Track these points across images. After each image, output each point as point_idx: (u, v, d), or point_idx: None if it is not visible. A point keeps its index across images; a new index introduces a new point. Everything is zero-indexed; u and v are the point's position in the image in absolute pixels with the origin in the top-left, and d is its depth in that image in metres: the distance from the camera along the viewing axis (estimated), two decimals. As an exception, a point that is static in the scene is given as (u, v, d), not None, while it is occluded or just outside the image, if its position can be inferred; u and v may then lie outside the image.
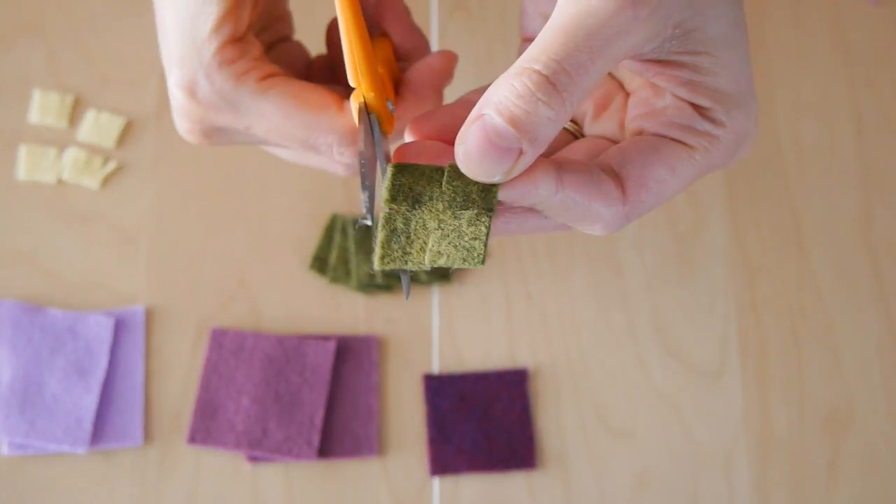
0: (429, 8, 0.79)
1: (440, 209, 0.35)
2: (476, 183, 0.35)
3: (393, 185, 0.36)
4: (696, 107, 0.37)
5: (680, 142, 0.37)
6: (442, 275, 0.73)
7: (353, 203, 0.74)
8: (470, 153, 0.33)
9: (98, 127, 0.75)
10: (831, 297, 0.74)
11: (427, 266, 0.35)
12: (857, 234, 0.76)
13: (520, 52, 0.46)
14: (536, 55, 0.32)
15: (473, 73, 0.77)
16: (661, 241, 0.75)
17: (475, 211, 0.35)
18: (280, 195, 0.75)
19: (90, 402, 0.68)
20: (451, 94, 0.77)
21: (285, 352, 0.70)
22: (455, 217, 0.35)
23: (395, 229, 0.36)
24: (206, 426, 0.69)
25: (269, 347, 0.70)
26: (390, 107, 0.40)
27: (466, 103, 0.39)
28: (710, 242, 0.75)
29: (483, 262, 0.35)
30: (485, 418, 0.70)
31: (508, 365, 0.72)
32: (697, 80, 0.36)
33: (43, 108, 0.75)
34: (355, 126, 0.41)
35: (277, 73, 0.41)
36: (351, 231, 0.73)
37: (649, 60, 0.36)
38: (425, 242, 0.35)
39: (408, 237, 0.35)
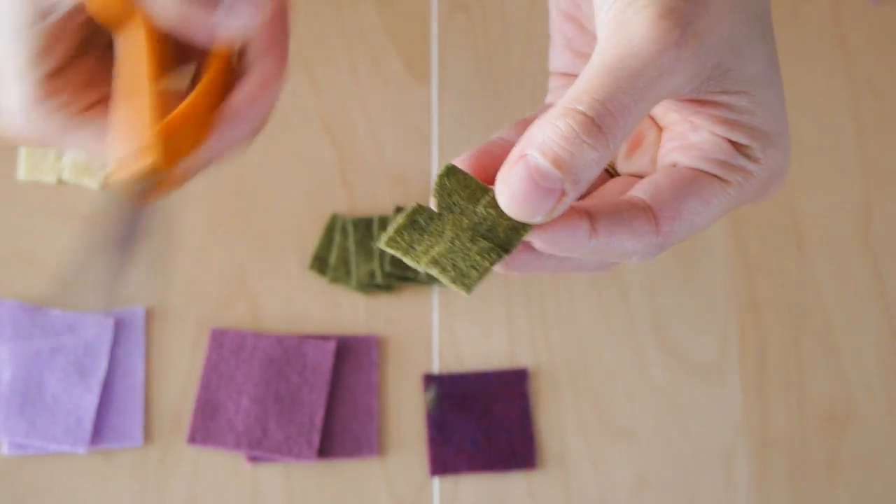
0: (429, 8, 0.79)
1: (463, 225, 0.36)
2: (508, 220, 0.35)
3: (441, 181, 0.36)
4: (733, 143, 0.37)
5: (715, 176, 0.37)
6: (442, 275, 0.72)
7: (353, 203, 0.74)
8: (513, 192, 0.33)
9: (98, 127, 0.75)
10: (831, 296, 0.74)
11: (422, 268, 0.36)
12: (857, 234, 0.76)
13: (550, 87, 0.46)
14: (580, 96, 0.33)
15: (473, 74, 0.77)
16: (661, 241, 0.75)
17: (492, 244, 0.35)
18: (280, 195, 0.75)
19: (90, 402, 0.68)
20: (452, 93, 0.77)
21: (285, 352, 0.70)
22: (472, 240, 0.35)
23: (416, 221, 0.36)
24: (206, 426, 0.69)
25: (269, 347, 0.70)
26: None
27: (504, 143, 0.39)
28: (710, 242, 0.75)
29: (470, 291, 0.35)
30: (485, 418, 0.70)
31: (508, 365, 0.72)
32: (735, 118, 0.36)
33: (43, 108, 0.75)
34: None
35: (100, 101, 0.40)
36: (351, 231, 0.73)
37: (687, 100, 0.36)
38: (432, 247, 0.36)
39: (421, 234, 0.36)
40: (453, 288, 0.35)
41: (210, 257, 0.73)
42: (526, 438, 0.70)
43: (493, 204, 0.35)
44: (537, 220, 0.34)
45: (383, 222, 0.73)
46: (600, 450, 0.71)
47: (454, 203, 0.36)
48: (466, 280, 0.35)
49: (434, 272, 0.35)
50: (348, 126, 0.75)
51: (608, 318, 0.73)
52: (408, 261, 0.36)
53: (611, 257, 0.37)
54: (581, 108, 0.32)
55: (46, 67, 0.39)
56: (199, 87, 0.38)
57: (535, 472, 0.70)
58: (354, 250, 0.72)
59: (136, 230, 0.37)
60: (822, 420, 0.72)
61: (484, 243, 0.35)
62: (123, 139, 0.37)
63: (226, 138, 0.40)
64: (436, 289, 0.73)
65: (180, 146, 0.37)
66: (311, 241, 0.74)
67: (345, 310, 0.72)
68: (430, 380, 0.71)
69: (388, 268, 0.72)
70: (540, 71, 0.77)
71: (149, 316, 0.71)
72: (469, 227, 0.35)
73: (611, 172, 0.42)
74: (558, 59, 0.45)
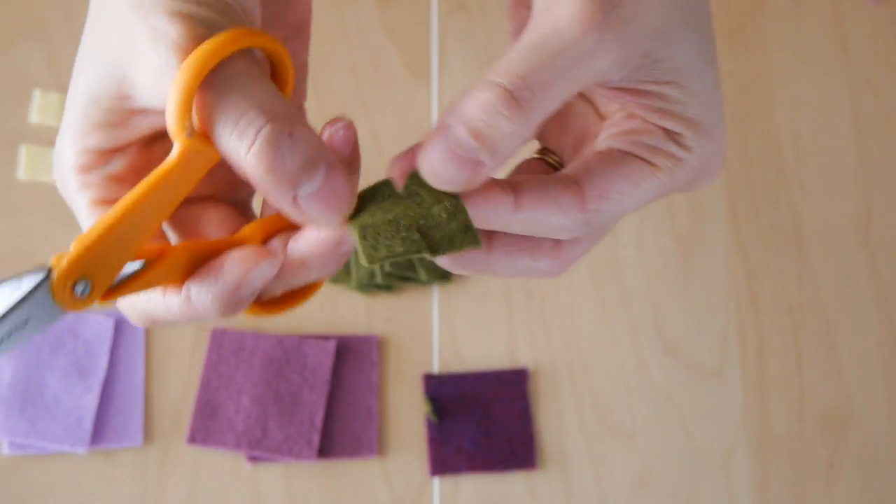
0: (429, 8, 0.79)
1: (410, 213, 0.36)
2: (453, 226, 0.36)
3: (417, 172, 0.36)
4: (666, 130, 0.38)
5: (645, 160, 0.38)
6: (442, 275, 0.73)
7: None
8: (432, 160, 0.34)
9: (98, 127, 0.75)
10: (831, 296, 0.74)
11: (348, 227, 0.36)
12: (857, 234, 0.76)
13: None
14: (501, 69, 0.34)
15: (473, 74, 0.77)
16: (661, 241, 0.75)
17: (421, 240, 0.36)
18: (280, 195, 0.74)
19: (90, 401, 0.68)
20: (452, 93, 0.77)
21: (285, 352, 0.70)
22: (407, 228, 0.36)
23: (379, 191, 0.37)
24: (206, 426, 0.69)
25: (270, 347, 0.70)
26: (80, 289, 0.37)
27: None
28: (710, 242, 0.75)
29: (371, 262, 0.35)
30: (485, 418, 0.70)
31: (508, 365, 0.72)
32: (667, 108, 0.37)
33: (43, 108, 0.75)
34: None
35: (110, 202, 0.39)
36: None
37: (620, 88, 0.37)
38: (372, 216, 0.37)
39: (374, 204, 0.37)
40: (359, 253, 0.35)
41: (210, 257, 0.73)
42: (526, 438, 0.70)
43: (447, 210, 0.36)
44: (456, 188, 0.34)
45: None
46: (600, 450, 0.71)
47: (417, 193, 0.37)
48: (374, 253, 0.36)
49: (354, 234, 0.36)
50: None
51: (608, 318, 0.73)
52: (419, 255, 0.37)
53: (537, 232, 0.37)
54: (500, 80, 0.33)
55: (94, 143, 0.39)
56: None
57: (535, 472, 0.70)
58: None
59: None
60: (822, 420, 0.72)
61: (415, 236, 0.36)
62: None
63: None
64: (436, 289, 0.73)
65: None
66: (311, 241, 0.74)
67: (345, 310, 0.72)
68: (429, 380, 0.71)
69: (388, 268, 0.72)
70: (540, 71, 0.77)
71: (149, 316, 0.71)
72: (414, 217, 0.36)
73: (555, 167, 0.43)
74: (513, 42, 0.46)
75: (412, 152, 0.38)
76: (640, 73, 0.36)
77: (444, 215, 0.36)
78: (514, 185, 0.36)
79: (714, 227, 0.76)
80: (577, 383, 0.72)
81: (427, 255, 0.36)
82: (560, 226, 0.37)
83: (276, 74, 0.38)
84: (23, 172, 0.74)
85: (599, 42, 0.33)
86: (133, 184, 0.37)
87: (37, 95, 0.75)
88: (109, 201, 0.39)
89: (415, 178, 0.36)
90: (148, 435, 0.69)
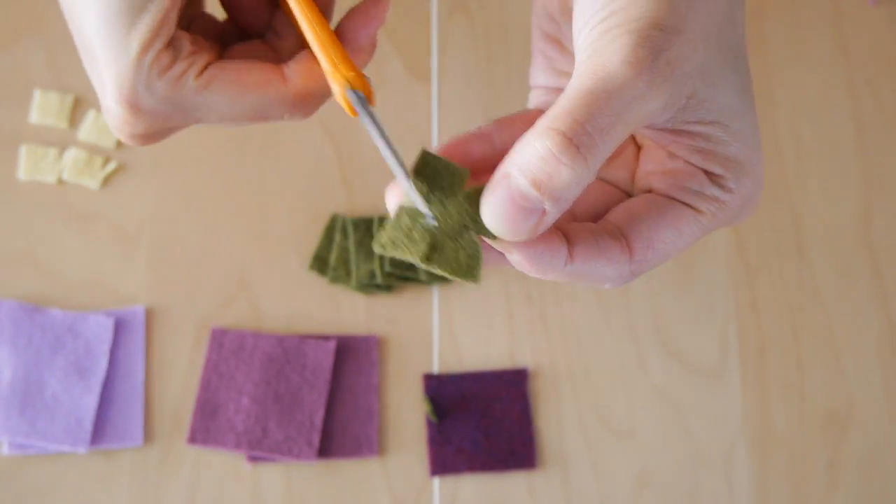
0: (429, 8, 0.79)
1: (451, 219, 0.37)
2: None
3: (419, 170, 0.37)
4: (707, 173, 0.38)
5: (688, 205, 0.38)
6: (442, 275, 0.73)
7: (353, 203, 0.74)
8: (496, 211, 0.34)
9: (98, 127, 0.75)
10: (831, 297, 0.74)
11: (424, 266, 0.36)
12: (857, 234, 0.76)
13: (531, 99, 0.47)
14: (558, 116, 0.33)
15: (473, 74, 0.77)
16: (661, 241, 0.75)
17: (478, 232, 0.36)
18: (280, 195, 0.75)
19: (90, 402, 0.68)
20: (452, 93, 0.77)
21: (285, 352, 0.70)
22: (459, 233, 0.37)
23: (402, 220, 0.37)
24: (206, 426, 0.69)
25: (270, 347, 0.70)
26: (368, 79, 0.41)
27: (485, 137, 0.41)
28: (710, 242, 0.75)
29: (478, 280, 0.37)
30: (485, 418, 0.70)
31: (508, 365, 0.72)
32: (709, 148, 0.37)
33: (43, 108, 0.75)
34: (301, 91, 0.42)
35: (211, 61, 0.41)
36: (351, 231, 0.73)
37: (665, 130, 0.37)
38: (425, 243, 0.36)
39: (410, 232, 0.37)
40: (459, 280, 0.36)
41: (210, 257, 0.73)
42: (526, 438, 0.70)
43: (468, 248, 0.36)
44: (518, 238, 0.35)
45: (383, 222, 0.73)
46: (600, 450, 0.71)
47: (435, 194, 0.37)
48: (472, 272, 0.36)
49: (438, 271, 0.36)
50: (348, 126, 0.75)
51: (608, 318, 0.73)
52: (412, 259, 0.37)
53: (584, 281, 0.38)
54: (560, 127, 0.33)
55: (161, 42, 0.39)
56: (317, 19, 0.41)
57: (535, 472, 0.70)
58: (354, 250, 0.72)
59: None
60: (822, 420, 0.72)
61: (471, 234, 0.36)
62: (329, 62, 0.40)
63: (366, 46, 0.43)
64: (436, 289, 0.73)
65: (359, 70, 0.41)
66: (311, 241, 0.74)
67: (345, 310, 0.72)
68: (429, 380, 0.71)
69: (388, 268, 0.72)
70: (540, 71, 0.78)
71: (149, 316, 0.71)
72: (457, 219, 0.37)
73: None
74: (539, 76, 0.46)
75: (453, 149, 0.39)
76: (684, 114, 0.36)
77: (461, 251, 0.36)
78: (568, 236, 0.37)
79: (714, 227, 0.76)
80: (577, 383, 0.72)
81: (421, 265, 0.36)
82: (607, 276, 0.38)
83: None
84: (23, 172, 0.74)
85: (650, 85, 0.34)
86: (203, 48, 0.40)
87: (37, 95, 0.75)
88: (208, 64, 0.40)
89: (474, 194, 0.36)
90: (148, 435, 0.69)
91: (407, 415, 0.70)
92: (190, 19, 0.45)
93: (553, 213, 0.34)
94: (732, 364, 0.73)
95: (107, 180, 0.74)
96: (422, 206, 0.37)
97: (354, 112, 0.40)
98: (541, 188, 0.33)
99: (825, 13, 0.81)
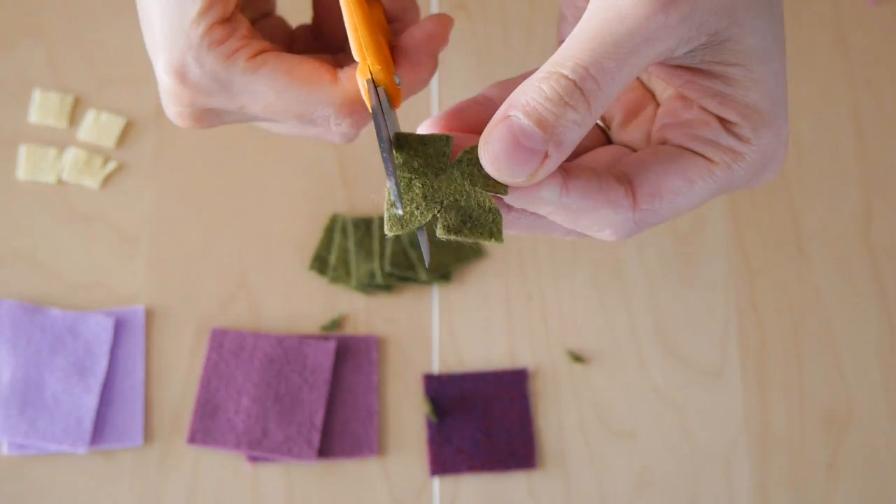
0: (429, 8, 0.79)
1: (455, 179, 0.35)
2: (487, 180, 0.35)
3: (400, 148, 0.36)
4: (722, 121, 0.36)
5: (701, 155, 0.36)
6: (442, 275, 0.73)
7: (353, 203, 0.74)
8: (497, 152, 0.33)
9: (98, 127, 0.75)
10: (831, 297, 0.74)
11: (443, 236, 0.35)
12: (857, 234, 0.76)
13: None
14: (564, 59, 0.33)
15: (474, 73, 0.77)
16: (661, 241, 0.75)
17: (488, 202, 0.35)
18: (280, 195, 0.75)
19: (90, 401, 0.68)
20: (452, 92, 0.77)
21: (285, 352, 0.70)
22: (469, 191, 0.35)
23: (405, 192, 0.36)
24: (206, 426, 0.69)
25: (270, 347, 0.70)
26: (397, 80, 0.40)
27: (486, 100, 0.39)
28: (710, 242, 0.75)
29: (501, 239, 0.35)
30: (485, 418, 0.70)
31: (508, 365, 0.72)
32: (727, 92, 0.35)
33: (43, 108, 0.75)
34: (351, 96, 0.41)
35: (267, 49, 0.40)
36: (351, 231, 0.73)
37: (680, 66, 0.36)
38: (438, 209, 0.35)
39: (418, 202, 0.36)
40: (483, 241, 0.35)
41: (210, 257, 0.73)
42: (526, 438, 0.70)
43: (469, 163, 0.35)
44: (519, 181, 0.33)
45: (383, 222, 0.73)
46: (600, 450, 0.71)
47: (467, 171, 0.36)
48: (494, 230, 0.35)
49: (460, 236, 0.35)
50: (348, 126, 0.75)
51: (608, 318, 0.73)
52: (419, 225, 0.36)
53: (583, 224, 0.36)
54: (564, 71, 0.32)
55: (216, 14, 0.39)
56: (370, 23, 0.41)
57: (535, 472, 0.70)
58: (354, 250, 0.72)
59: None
60: (822, 420, 0.72)
61: (482, 191, 0.35)
62: (360, 53, 0.39)
63: (423, 67, 0.42)
64: (436, 289, 0.73)
65: (388, 66, 0.40)
66: (311, 241, 0.74)
67: (345, 310, 0.72)
68: (429, 380, 0.71)
69: (388, 268, 0.72)
70: (540, 71, 0.77)
71: (149, 316, 0.71)
72: (456, 197, 0.35)
73: (606, 133, 0.42)
74: (566, 30, 0.44)
75: (454, 114, 0.38)
76: (704, 53, 0.34)
77: (482, 209, 0.35)
78: (565, 169, 0.35)
79: (714, 227, 0.76)
80: (577, 383, 0.72)
81: (443, 236, 0.35)
82: (608, 221, 0.35)
83: None
84: (23, 172, 0.74)
85: (664, 25, 0.32)
86: (257, 41, 0.39)
87: (37, 95, 0.75)
88: (264, 51, 0.40)
89: (469, 155, 0.35)
90: (148, 435, 0.69)
91: (407, 415, 0.70)
92: (261, 14, 0.44)
93: (555, 158, 0.33)
94: (732, 364, 0.73)
95: (107, 180, 0.74)
96: (398, 203, 0.35)
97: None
98: (545, 128, 0.32)
99: (825, 13, 0.81)
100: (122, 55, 0.77)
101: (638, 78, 0.41)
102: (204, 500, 0.68)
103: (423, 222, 0.35)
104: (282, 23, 0.47)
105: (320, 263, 0.73)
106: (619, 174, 0.36)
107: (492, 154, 0.33)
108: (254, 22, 0.44)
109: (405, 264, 0.72)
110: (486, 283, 0.74)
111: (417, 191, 0.36)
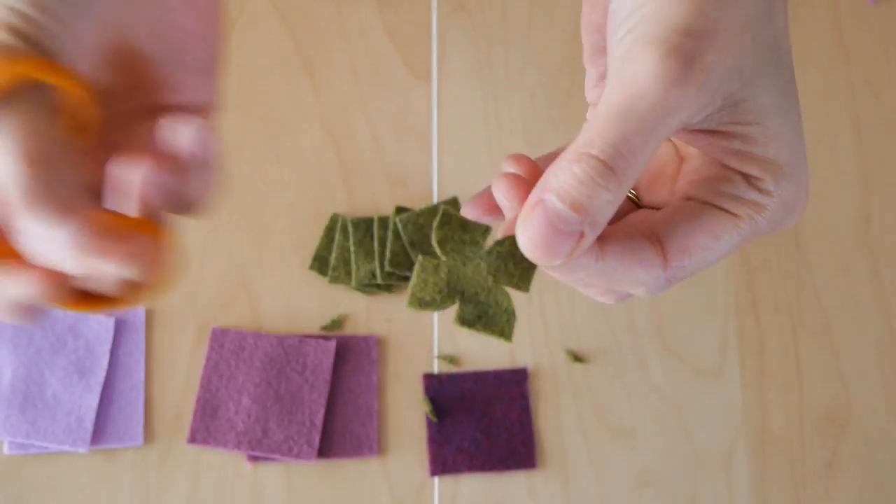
0: (429, 8, 0.79)
1: (480, 272, 0.37)
2: (520, 261, 0.36)
3: (441, 229, 0.37)
4: (745, 176, 0.37)
5: (726, 210, 0.37)
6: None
7: (353, 203, 0.75)
8: (533, 237, 0.34)
9: (98, 127, 0.75)
10: (830, 297, 0.75)
11: (459, 323, 0.37)
12: (857, 234, 0.76)
13: (589, 116, 0.46)
14: (592, 139, 0.33)
15: (474, 74, 0.77)
16: (660, 241, 0.75)
17: (509, 284, 0.37)
18: (280, 195, 0.75)
19: (91, 401, 0.68)
20: (452, 92, 0.77)
21: (285, 352, 0.70)
22: (490, 290, 0.37)
23: (426, 276, 0.37)
24: (207, 426, 0.69)
25: (270, 347, 0.70)
26: None
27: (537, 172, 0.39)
28: (709, 242, 0.75)
29: (510, 339, 0.37)
30: (485, 418, 0.70)
31: (508, 365, 0.72)
32: (747, 150, 0.36)
33: (43, 108, 0.75)
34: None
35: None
36: (351, 231, 0.73)
37: (699, 131, 0.37)
38: (458, 298, 0.37)
39: (441, 287, 0.37)
40: (493, 337, 0.37)
41: (210, 257, 0.73)
42: (526, 438, 0.70)
43: (505, 248, 0.36)
44: (557, 263, 0.34)
45: (383, 222, 0.73)
46: (600, 450, 0.71)
47: (456, 250, 0.37)
48: (506, 329, 0.37)
49: (467, 327, 0.37)
50: (348, 126, 0.75)
51: (608, 318, 0.73)
52: (438, 309, 0.37)
53: (618, 285, 0.37)
54: (594, 151, 0.33)
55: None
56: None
57: (535, 471, 0.70)
58: (354, 250, 0.72)
59: None
60: (821, 420, 0.72)
61: (503, 289, 0.37)
62: None
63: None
64: (436, 289, 0.73)
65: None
66: (311, 241, 0.74)
67: (345, 310, 0.72)
68: (429, 380, 0.71)
69: (388, 268, 0.72)
70: (540, 71, 0.78)
71: (149, 316, 0.71)
72: (483, 274, 0.37)
73: (635, 202, 0.42)
74: (592, 92, 0.45)
75: (488, 200, 0.38)
76: (721, 116, 0.35)
77: (501, 251, 0.37)
78: (600, 235, 0.36)
79: (714, 227, 0.76)
80: (577, 383, 0.72)
81: (457, 324, 0.37)
82: (641, 280, 0.37)
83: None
84: (23, 172, 0.74)
85: (682, 96, 0.33)
86: None
87: (37, 95, 0.75)
88: None
89: (500, 249, 0.37)
90: (148, 435, 0.69)
91: (407, 415, 0.71)
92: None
93: (591, 236, 0.34)
94: (732, 364, 0.73)
95: (107, 180, 0.74)
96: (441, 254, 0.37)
97: None
98: (579, 210, 0.33)
99: (825, 13, 0.81)
100: (123, 55, 0.77)
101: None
102: (204, 500, 0.68)
103: (443, 309, 0.37)
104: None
105: (320, 263, 0.73)
106: (649, 234, 0.37)
107: (529, 239, 0.34)
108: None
109: (405, 264, 0.72)
110: (486, 283, 0.74)
111: (444, 275, 0.37)
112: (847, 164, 0.78)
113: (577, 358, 0.72)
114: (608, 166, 0.33)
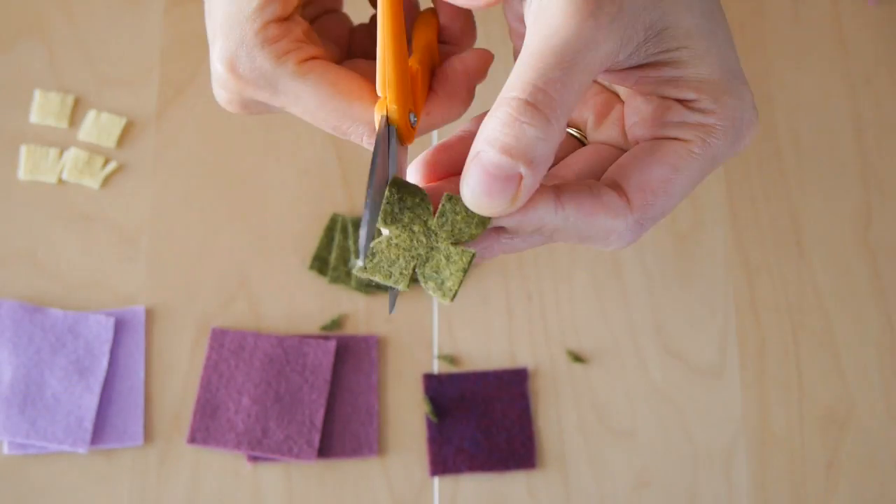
0: (429, 8, 0.79)
1: (429, 236, 0.36)
2: (471, 216, 0.36)
3: (389, 202, 0.37)
4: (682, 101, 0.37)
5: (675, 139, 0.37)
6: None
7: (353, 203, 0.75)
8: (474, 190, 0.34)
9: (98, 127, 0.75)
10: (831, 297, 0.74)
11: (402, 288, 0.36)
12: (857, 234, 0.76)
13: None
14: (512, 83, 0.34)
15: (473, 74, 0.77)
16: (661, 241, 0.75)
17: (461, 246, 0.36)
18: (280, 195, 0.75)
19: (91, 401, 0.68)
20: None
21: (285, 352, 0.70)
22: (442, 249, 0.36)
23: (381, 244, 0.37)
24: (206, 426, 0.69)
25: (270, 347, 0.70)
26: (412, 119, 0.40)
27: (469, 135, 0.40)
28: (710, 242, 0.75)
29: (453, 298, 0.36)
30: (485, 418, 0.70)
31: (508, 365, 0.72)
32: (678, 74, 0.37)
33: (44, 108, 0.75)
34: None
35: (319, 57, 0.41)
36: (351, 231, 0.73)
37: (630, 68, 0.37)
38: (406, 264, 0.36)
39: (391, 258, 0.36)
40: (437, 298, 0.36)
41: (210, 257, 0.73)
42: (526, 438, 0.70)
43: (450, 207, 0.36)
44: (504, 209, 0.34)
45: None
46: (600, 450, 0.71)
47: (411, 217, 0.37)
48: (445, 287, 0.36)
49: (424, 285, 0.36)
50: (348, 126, 0.75)
51: (608, 318, 0.73)
52: (389, 284, 0.37)
53: (586, 236, 0.37)
54: (514, 93, 0.33)
55: (273, 12, 0.39)
56: (419, 52, 0.41)
57: (535, 472, 0.70)
58: (354, 250, 0.72)
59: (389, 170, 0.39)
60: (822, 420, 0.72)
61: (455, 248, 0.36)
62: (382, 89, 0.39)
63: (450, 101, 0.42)
64: (436, 289, 0.73)
65: (406, 105, 0.40)
66: (311, 241, 0.74)
67: (345, 310, 0.72)
68: (429, 380, 0.71)
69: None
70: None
71: (149, 316, 0.71)
72: (436, 236, 0.36)
73: (582, 142, 0.42)
74: (519, 44, 0.46)
75: (438, 156, 0.38)
76: (647, 48, 0.36)
77: (452, 215, 0.36)
78: (555, 186, 0.36)
79: (713, 226, 0.76)
80: (577, 383, 0.72)
81: (401, 288, 0.37)
82: (610, 228, 0.36)
83: None
84: (23, 172, 0.74)
85: (596, 28, 0.33)
86: (317, 44, 0.40)
87: (37, 95, 0.75)
88: (315, 57, 0.40)
89: (451, 201, 0.36)
90: (148, 435, 0.69)
91: (407, 415, 0.71)
92: (324, 10, 0.45)
93: (530, 176, 0.34)
94: (732, 364, 0.73)
95: (107, 180, 0.74)
96: (361, 255, 0.36)
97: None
98: (510, 152, 0.33)
99: (825, 12, 0.81)
100: (122, 55, 0.77)
101: (600, 83, 0.42)
102: (204, 499, 0.68)
103: (402, 278, 0.36)
104: (344, 20, 0.48)
105: (320, 263, 0.73)
106: (609, 182, 0.37)
107: (471, 192, 0.34)
108: (316, 18, 0.45)
109: (405, 264, 0.72)
110: (486, 283, 0.74)
111: (398, 242, 0.37)
112: (848, 164, 0.78)
113: (577, 358, 0.72)
114: (528, 104, 0.33)
